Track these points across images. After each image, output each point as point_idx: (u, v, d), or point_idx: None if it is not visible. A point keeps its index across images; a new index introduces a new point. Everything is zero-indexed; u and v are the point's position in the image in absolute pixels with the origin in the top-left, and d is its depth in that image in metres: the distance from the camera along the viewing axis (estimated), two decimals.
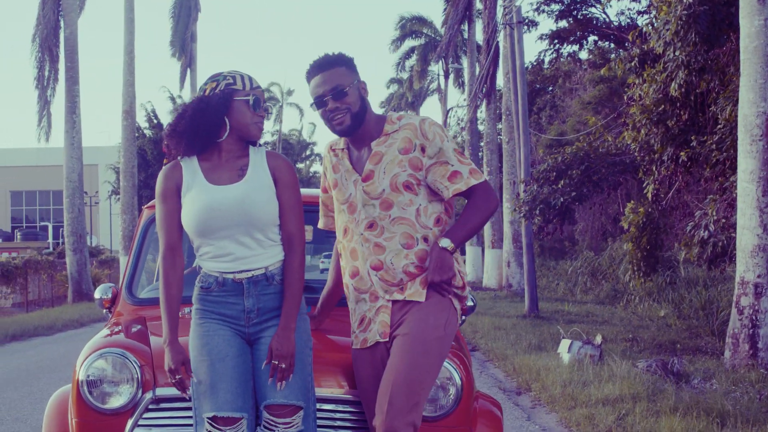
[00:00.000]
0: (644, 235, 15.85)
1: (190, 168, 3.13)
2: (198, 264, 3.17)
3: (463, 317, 4.12)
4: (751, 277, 8.30)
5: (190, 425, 3.09)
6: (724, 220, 9.94)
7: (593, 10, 25.29)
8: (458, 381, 3.26)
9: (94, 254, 31.29)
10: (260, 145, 3.22)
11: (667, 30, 10.69)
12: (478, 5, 26.26)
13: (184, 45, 37.44)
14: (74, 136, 22.44)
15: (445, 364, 3.24)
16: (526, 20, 23.01)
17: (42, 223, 55.63)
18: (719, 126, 10.59)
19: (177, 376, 3.00)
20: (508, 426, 6.08)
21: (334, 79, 3.15)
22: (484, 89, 23.32)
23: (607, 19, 25.56)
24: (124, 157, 24.29)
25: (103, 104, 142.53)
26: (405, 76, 47.29)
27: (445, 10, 28.93)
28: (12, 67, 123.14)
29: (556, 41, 26.24)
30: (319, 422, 3.17)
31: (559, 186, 13.78)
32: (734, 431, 5.74)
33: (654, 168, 12.30)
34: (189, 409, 3.09)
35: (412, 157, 3.14)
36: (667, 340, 11.00)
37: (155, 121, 32.56)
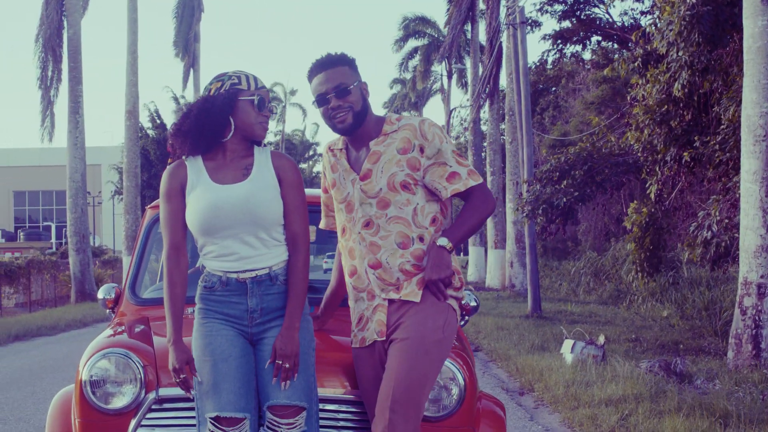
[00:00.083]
0: (647, 236, 15.81)
1: (195, 167, 3.13)
2: (201, 263, 3.17)
3: (466, 317, 4.14)
4: (754, 277, 8.29)
5: (193, 425, 3.08)
6: (727, 221, 9.93)
7: (596, 10, 25.29)
8: (461, 381, 3.26)
9: (97, 254, 31.31)
10: (264, 145, 3.23)
11: (671, 30, 10.68)
12: (482, 5, 26.26)
13: (187, 45, 37.45)
14: (77, 136, 22.45)
15: (448, 364, 3.24)
16: (529, 20, 22.96)
17: (45, 223, 55.63)
18: (722, 126, 10.57)
19: (181, 376, 3.00)
20: (511, 426, 6.08)
21: (337, 78, 3.16)
22: (487, 89, 23.29)
23: (611, 20, 25.55)
24: (127, 157, 24.34)
25: (106, 104, 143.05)
26: (408, 76, 47.40)
27: (448, 10, 28.92)
28: (15, 67, 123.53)
29: (559, 41, 26.25)
30: (322, 422, 3.17)
31: (562, 186, 13.77)
32: None
33: (657, 168, 12.29)
34: (192, 409, 3.09)
35: (410, 157, 3.15)
36: (670, 341, 10.99)
37: (158, 121, 32.53)
